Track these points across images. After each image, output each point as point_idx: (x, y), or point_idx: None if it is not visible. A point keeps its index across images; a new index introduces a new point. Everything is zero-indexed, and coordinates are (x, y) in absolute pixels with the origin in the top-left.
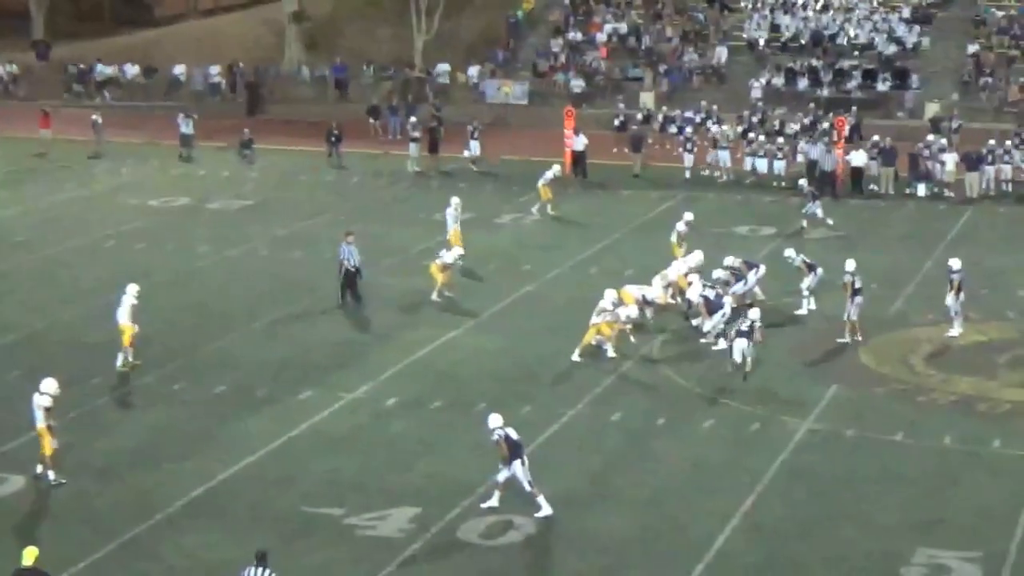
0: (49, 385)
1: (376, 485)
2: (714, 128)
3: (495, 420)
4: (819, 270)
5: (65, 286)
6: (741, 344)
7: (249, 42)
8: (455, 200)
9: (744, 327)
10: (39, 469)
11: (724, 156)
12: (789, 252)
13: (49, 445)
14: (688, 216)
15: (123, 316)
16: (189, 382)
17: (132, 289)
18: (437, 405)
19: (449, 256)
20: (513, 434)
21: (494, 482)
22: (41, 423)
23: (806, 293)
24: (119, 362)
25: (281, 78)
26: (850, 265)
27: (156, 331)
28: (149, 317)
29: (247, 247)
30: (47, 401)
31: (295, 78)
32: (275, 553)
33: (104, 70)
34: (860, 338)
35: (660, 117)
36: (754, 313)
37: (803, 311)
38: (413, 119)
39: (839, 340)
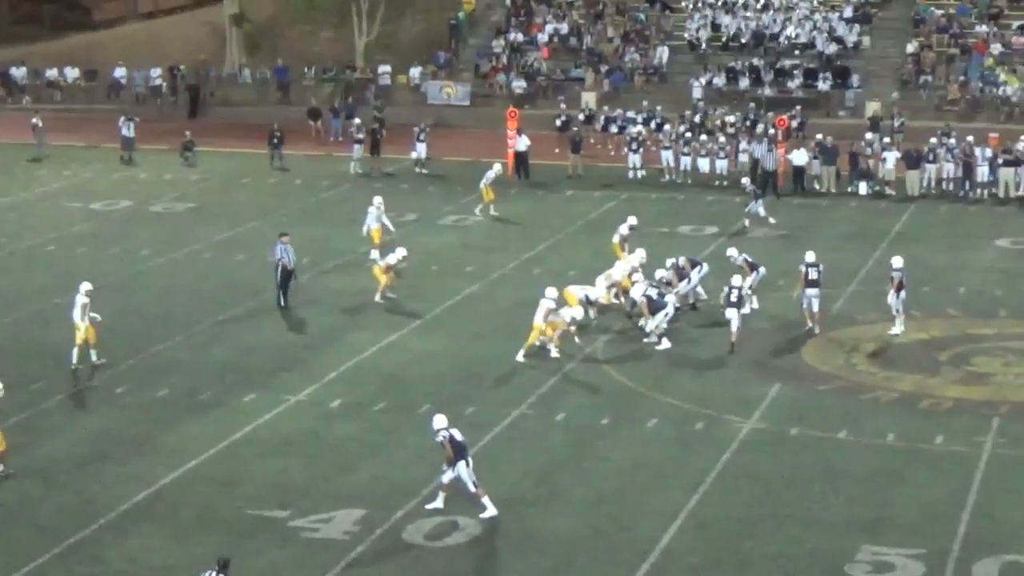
0: None
1: (321, 487)
2: (634, 129)
3: (440, 421)
4: (761, 269)
5: (7, 291)
6: (733, 314)
7: (190, 45)
8: (377, 199)
9: (733, 298)
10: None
11: (667, 155)
12: (731, 251)
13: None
14: (632, 220)
15: (75, 315)
16: (132, 386)
17: (83, 287)
18: (381, 407)
19: (392, 257)
20: (458, 435)
21: (439, 483)
22: None
23: (748, 292)
24: (86, 358)
25: (222, 80)
26: (809, 256)
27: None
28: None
29: (190, 250)
30: None
31: (236, 80)
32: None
33: (18, 73)
34: (817, 329)
35: (602, 118)
36: (736, 280)
37: (746, 310)
38: (356, 121)
39: (807, 328)
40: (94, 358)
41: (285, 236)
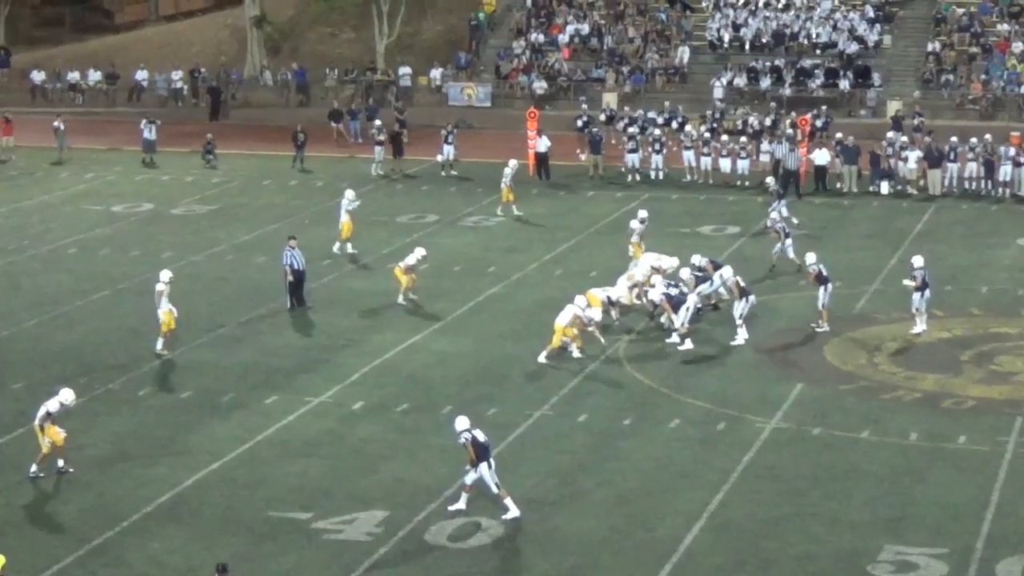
0: (65, 394)
1: (343, 489)
2: (632, 129)
3: (462, 423)
4: (751, 298)
5: (28, 293)
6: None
7: (211, 47)
8: (349, 192)
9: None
10: (60, 463)
11: (688, 156)
12: (695, 258)
13: (55, 437)
14: (643, 213)
15: (157, 303)
16: (155, 388)
17: (164, 275)
18: (404, 408)
19: (411, 258)
20: (480, 436)
21: (461, 484)
22: (36, 421)
23: (739, 322)
24: (159, 346)
25: (243, 83)
26: (810, 258)
27: (121, 337)
28: (114, 323)
29: (212, 252)
30: (53, 405)
31: (257, 82)
32: (242, 558)
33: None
34: (827, 327)
35: (626, 119)
36: (727, 272)
37: (739, 340)
38: (377, 123)
39: (817, 328)
40: (159, 346)
41: (292, 240)
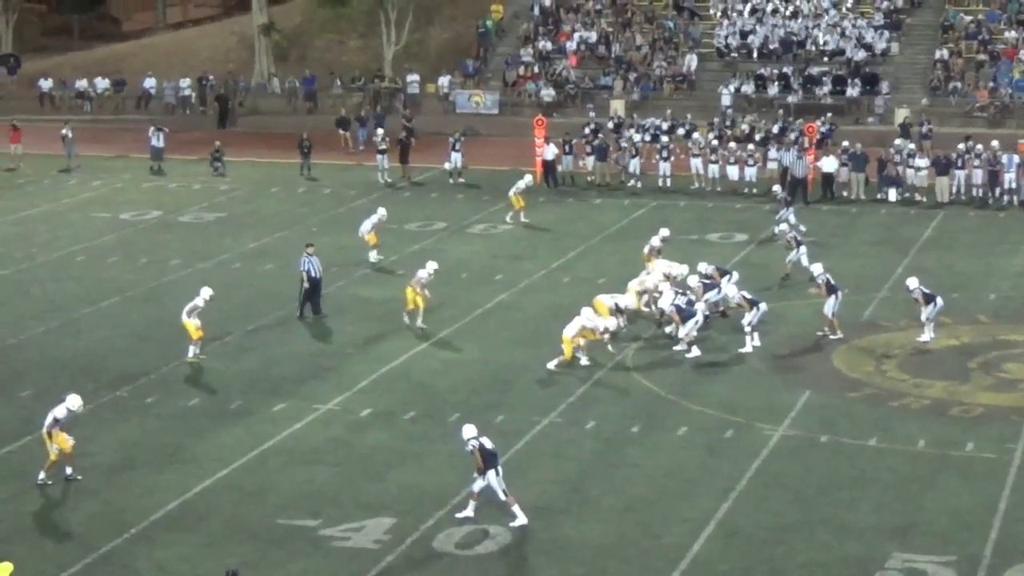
0: (73, 401)
1: (351, 496)
2: (636, 136)
3: (469, 430)
4: (762, 305)
5: (37, 301)
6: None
7: (219, 55)
8: (382, 211)
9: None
10: (68, 471)
11: (696, 163)
12: (701, 269)
13: (63, 444)
14: (664, 232)
15: (184, 313)
16: (162, 395)
17: (205, 292)
18: (411, 415)
19: (423, 272)
20: (488, 444)
21: (469, 492)
22: (44, 428)
23: (748, 329)
24: (189, 354)
25: (251, 90)
26: (817, 268)
27: (128, 345)
28: (122, 331)
29: (219, 260)
30: (61, 412)
31: (265, 90)
32: (250, 565)
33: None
34: (840, 334)
35: (634, 126)
36: (731, 291)
37: (747, 348)
38: (380, 130)
39: (830, 335)
40: (190, 354)
41: (310, 247)
